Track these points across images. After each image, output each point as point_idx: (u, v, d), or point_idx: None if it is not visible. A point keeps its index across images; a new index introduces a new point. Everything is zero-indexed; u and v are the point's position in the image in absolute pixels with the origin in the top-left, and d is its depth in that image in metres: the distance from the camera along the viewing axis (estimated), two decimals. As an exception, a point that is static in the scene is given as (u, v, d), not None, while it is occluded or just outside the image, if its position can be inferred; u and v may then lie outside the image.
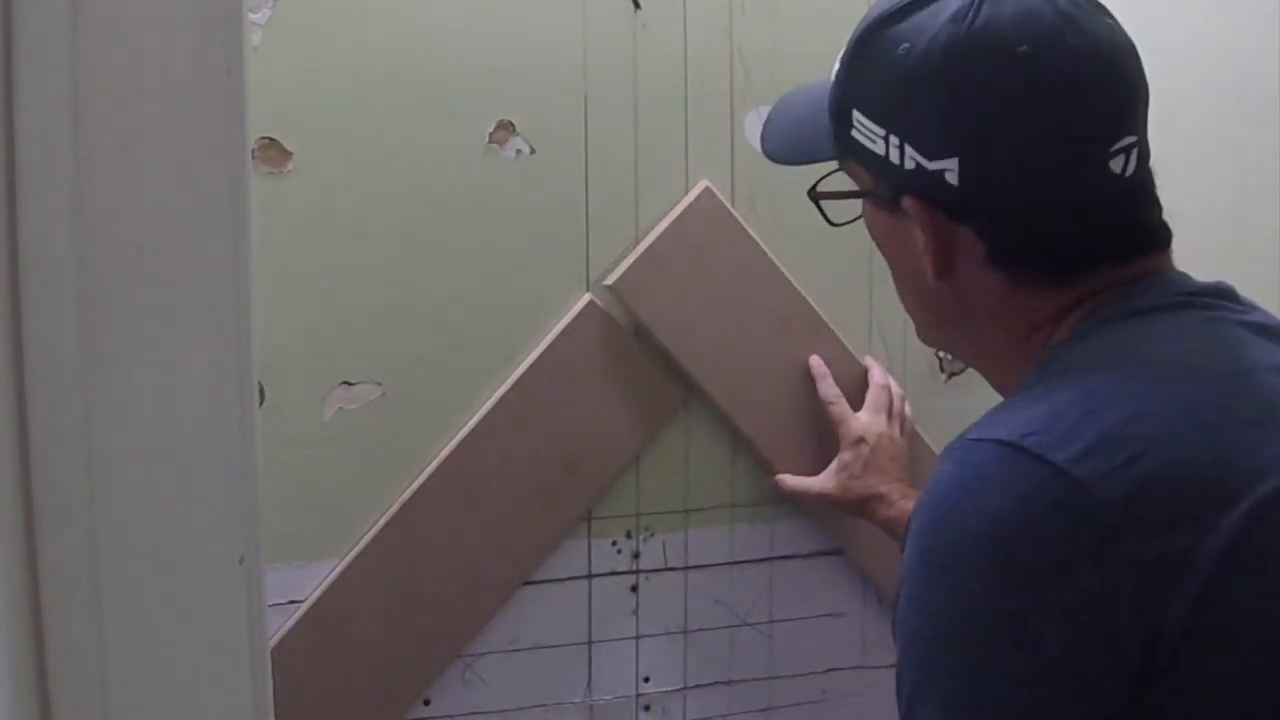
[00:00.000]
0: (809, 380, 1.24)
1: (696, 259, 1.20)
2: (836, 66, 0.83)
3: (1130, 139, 0.75)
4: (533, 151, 1.17)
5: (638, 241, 1.20)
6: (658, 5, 1.20)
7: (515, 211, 1.16)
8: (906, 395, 1.26)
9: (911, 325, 0.90)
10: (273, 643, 1.07)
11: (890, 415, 1.22)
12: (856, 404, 1.22)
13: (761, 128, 0.96)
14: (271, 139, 1.08)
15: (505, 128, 1.15)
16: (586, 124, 1.18)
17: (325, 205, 1.11)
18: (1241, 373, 0.72)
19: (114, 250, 0.46)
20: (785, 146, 0.92)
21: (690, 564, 1.25)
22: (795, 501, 1.24)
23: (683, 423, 1.23)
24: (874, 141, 0.79)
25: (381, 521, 1.14)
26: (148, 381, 0.47)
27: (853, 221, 0.88)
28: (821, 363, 1.23)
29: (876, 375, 1.24)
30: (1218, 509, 0.65)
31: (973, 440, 0.71)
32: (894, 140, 0.77)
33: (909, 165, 0.77)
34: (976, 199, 0.76)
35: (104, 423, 0.46)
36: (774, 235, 1.24)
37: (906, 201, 0.78)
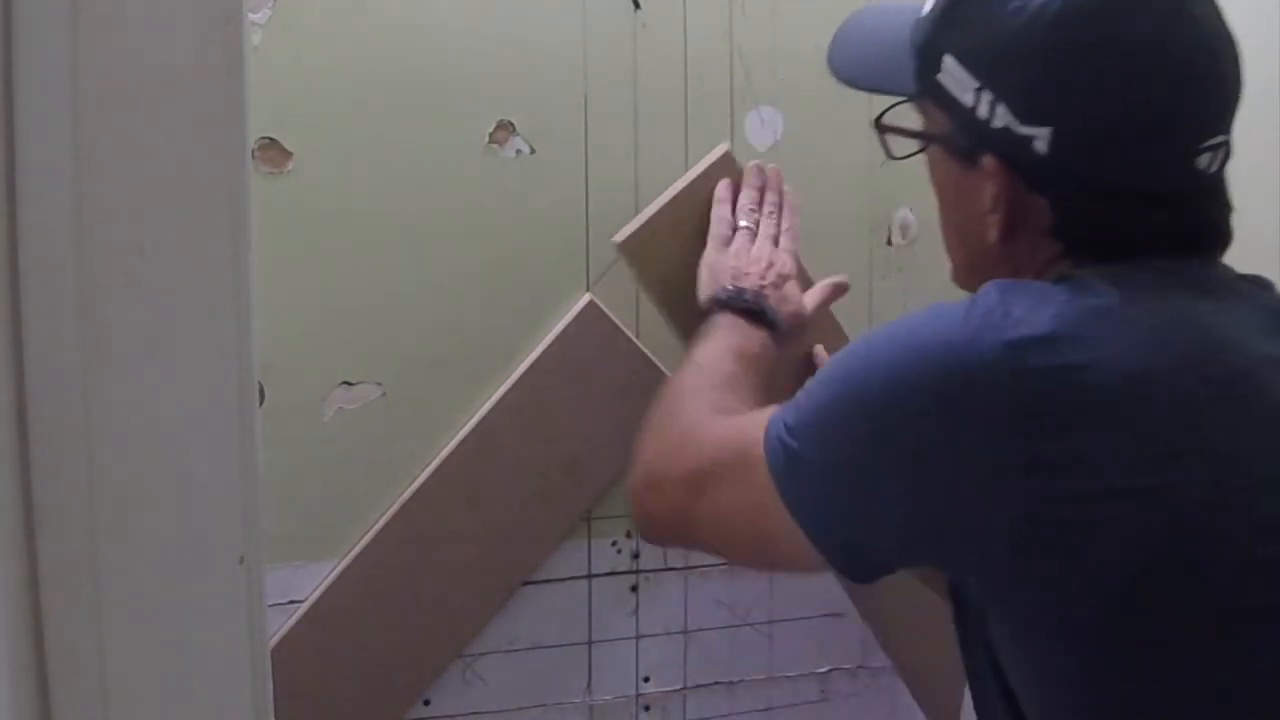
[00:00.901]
0: (806, 361, 1.21)
1: (708, 223, 1.16)
2: (931, 3, 0.81)
3: (1221, 138, 0.75)
4: (533, 151, 1.17)
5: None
6: (658, 5, 1.20)
7: (515, 211, 1.16)
8: None
9: None
10: (273, 643, 1.07)
11: None
12: None
13: (830, 45, 0.93)
14: (271, 139, 1.08)
15: (505, 128, 1.16)
16: (586, 124, 1.18)
17: (325, 205, 1.11)
18: (1231, 354, 0.71)
19: (114, 250, 0.46)
20: (858, 69, 0.89)
21: (690, 564, 1.25)
22: None
23: (683, 423, 1.23)
24: (963, 91, 0.77)
25: (381, 521, 1.14)
26: (148, 381, 0.47)
27: (912, 156, 0.86)
28: (823, 353, 1.21)
29: None
30: (1138, 446, 0.66)
31: (985, 288, 0.72)
32: (986, 96, 0.75)
33: (997, 124, 0.75)
34: (1061, 172, 0.74)
35: (104, 423, 0.46)
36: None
37: (986, 160, 0.76)
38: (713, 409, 0.89)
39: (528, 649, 1.21)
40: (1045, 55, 0.73)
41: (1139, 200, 0.74)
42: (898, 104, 0.85)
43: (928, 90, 0.80)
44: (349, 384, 1.13)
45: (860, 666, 1.32)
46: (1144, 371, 0.68)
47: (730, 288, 1.05)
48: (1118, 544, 0.66)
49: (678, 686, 1.27)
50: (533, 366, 1.17)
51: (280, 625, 1.11)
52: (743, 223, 1.12)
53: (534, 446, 1.18)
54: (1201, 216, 0.77)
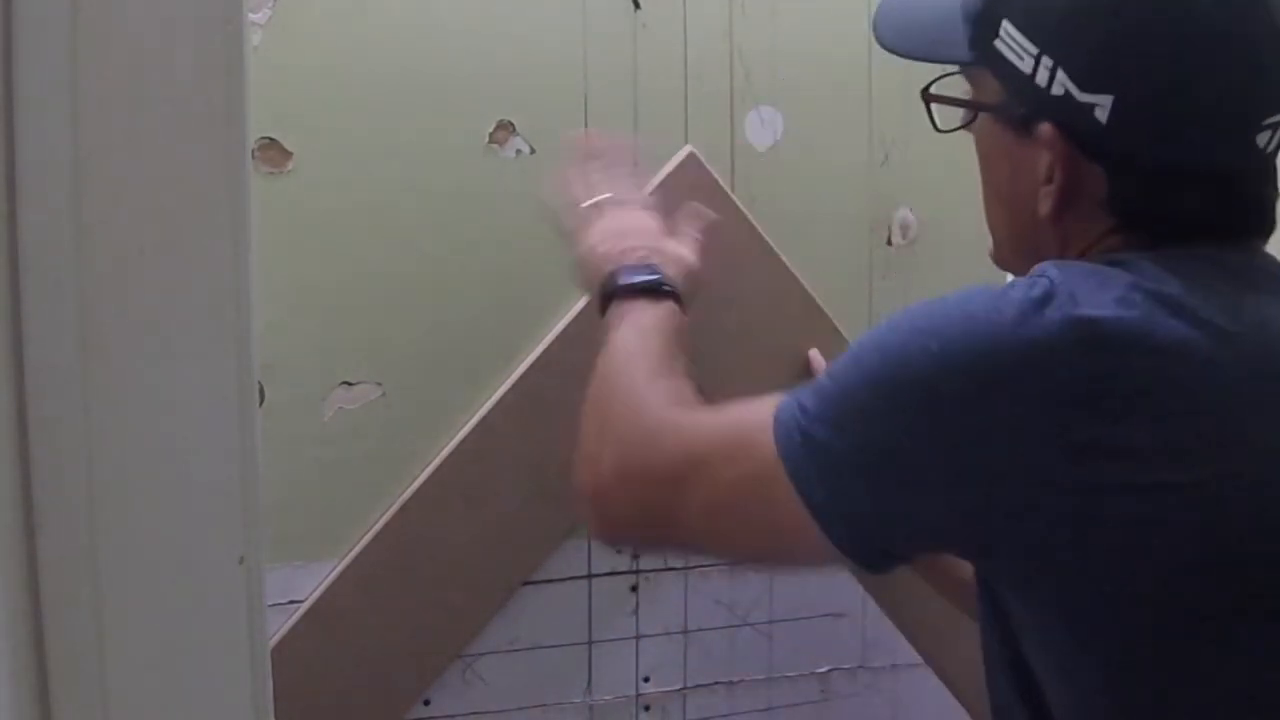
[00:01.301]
0: (801, 362, 1.20)
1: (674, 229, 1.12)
2: None
3: (1279, 117, 0.73)
4: (533, 151, 1.17)
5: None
6: (658, 5, 1.20)
7: (515, 211, 1.16)
8: None
9: None
10: (273, 643, 1.07)
11: None
12: None
13: (876, 14, 0.90)
14: (271, 139, 1.08)
15: (505, 128, 1.15)
16: (586, 124, 1.18)
17: (325, 205, 1.11)
18: None
19: (114, 250, 0.46)
20: (909, 37, 0.86)
21: (690, 564, 1.25)
22: None
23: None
24: (1021, 58, 0.75)
25: (381, 521, 1.14)
26: (148, 381, 0.47)
27: (961, 128, 0.84)
28: (820, 358, 1.20)
29: None
30: (1196, 440, 0.65)
31: (1038, 275, 0.70)
32: (1046, 62, 0.73)
33: (1056, 91, 0.73)
34: (1121, 142, 0.73)
35: (104, 423, 0.46)
36: (774, 234, 1.23)
37: (1044, 128, 0.75)
38: (671, 399, 0.84)
39: (528, 649, 1.21)
40: (1110, 22, 0.71)
41: (1196, 175, 0.73)
42: (947, 75, 0.83)
43: (983, 58, 0.78)
44: (349, 384, 1.13)
45: (860, 666, 1.32)
46: (1210, 361, 0.66)
47: (614, 275, 0.96)
48: (1165, 538, 0.65)
49: (678, 686, 1.27)
50: (533, 366, 1.17)
51: (280, 625, 1.11)
52: (586, 204, 1.03)
53: (534, 446, 1.18)
54: (1254, 196, 0.75)
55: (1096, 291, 0.67)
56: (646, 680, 1.26)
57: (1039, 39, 0.74)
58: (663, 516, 0.80)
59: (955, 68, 0.83)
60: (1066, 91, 0.73)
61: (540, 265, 1.18)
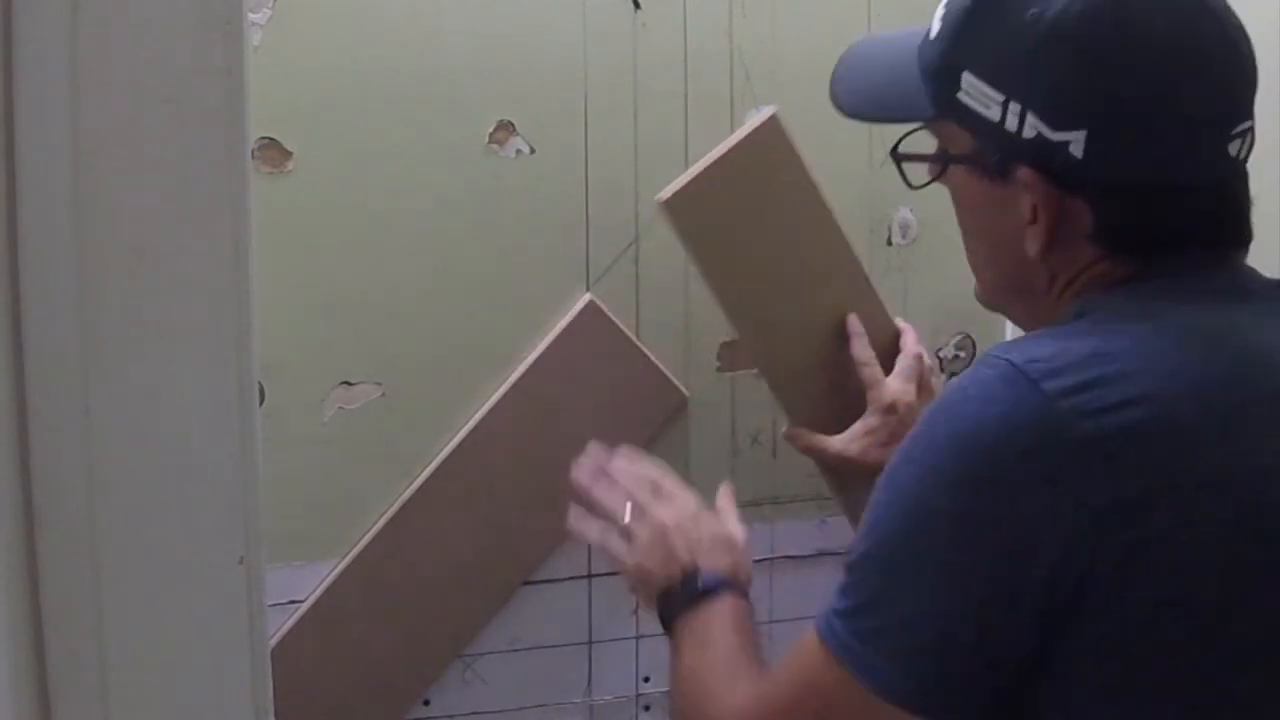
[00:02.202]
0: (841, 334, 1.17)
1: (752, 187, 1.13)
2: (939, 25, 0.79)
3: (1248, 123, 0.74)
4: (533, 151, 1.17)
5: (638, 242, 1.20)
6: (658, 5, 1.20)
7: (515, 211, 1.16)
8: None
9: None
10: (273, 643, 1.07)
11: (920, 387, 1.15)
12: (893, 360, 1.17)
13: (831, 81, 0.90)
14: (271, 139, 1.08)
15: (505, 128, 1.15)
16: (586, 124, 1.18)
17: (325, 205, 1.11)
18: (1268, 364, 0.70)
19: (114, 251, 0.46)
20: (869, 101, 0.87)
21: (690, 564, 1.25)
22: (806, 455, 1.16)
23: (682, 423, 1.23)
24: (988, 107, 0.75)
25: (381, 521, 1.14)
26: (148, 381, 0.47)
27: (930, 184, 0.84)
28: (858, 321, 1.17)
29: (910, 343, 1.18)
30: (1193, 477, 0.66)
31: (992, 356, 0.71)
32: (1014, 107, 0.73)
33: (1028, 134, 0.73)
34: (1099, 173, 0.73)
35: (104, 423, 0.46)
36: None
37: (1022, 172, 0.75)
38: (753, 681, 0.82)
39: (528, 649, 1.21)
40: (1071, 58, 0.72)
41: (1178, 191, 0.73)
42: (912, 131, 0.84)
43: (948, 111, 0.78)
44: (349, 384, 1.13)
45: (860, 666, 1.32)
46: (1200, 395, 0.67)
47: (665, 595, 0.93)
48: (1204, 577, 0.66)
49: (678, 686, 1.27)
50: (533, 366, 1.17)
51: (280, 625, 1.11)
52: (625, 520, 0.99)
53: (534, 446, 1.18)
54: (1235, 205, 0.76)
55: (1062, 357, 0.68)
56: (646, 680, 1.26)
57: (1003, 85, 0.74)
58: None
59: (921, 124, 0.83)
60: (1038, 133, 0.73)
61: (540, 265, 1.18)
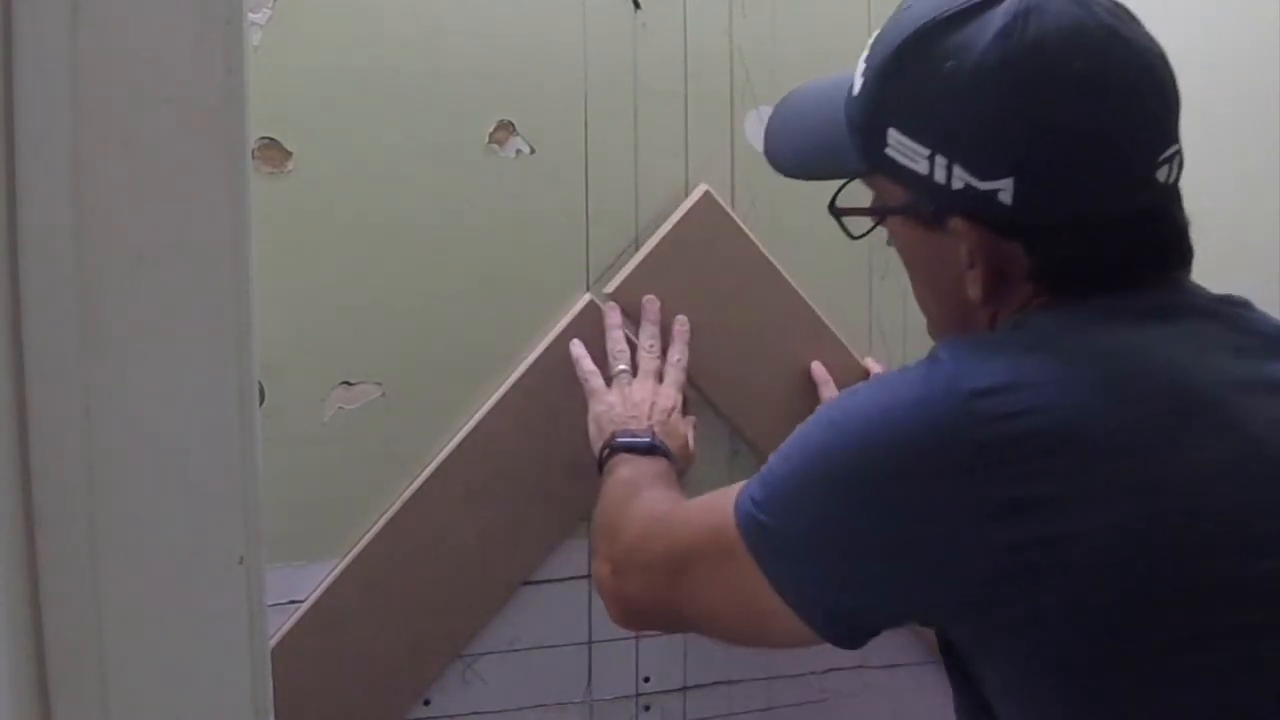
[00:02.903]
0: (811, 382, 1.24)
1: (696, 263, 1.20)
2: (860, 81, 0.80)
3: (1175, 147, 0.75)
4: (533, 151, 1.17)
5: (638, 242, 1.20)
6: (658, 5, 1.20)
7: (515, 211, 1.16)
8: None
9: (910, 326, 0.90)
10: (273, 643, 1.07)
11: None
12: None
13: (765, 139, 0.93)
14: (271, 139, 1.08)
15: (505, 128, 1.16)
16: (586, 124, 1.18)
17: (325, 205, 1.11)
18: (1190, 379, 0.71)
19: (113, 252, 0.46)
20: (802, 162, 0.89)
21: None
22: None
23: (683, 423, 1.23)
24: (915, 161, 0.76)
25: (381, 521, 1.14)
26: (148, 382, 0.47)
27: (872, 231, 0.86)
28: (823, 369, 1.23)
29: None
30: (1088, 485, 0.67)
31: (936, 349, 0.75)
32: (940, 160, 0.74)
33: (957, 185, 0.74)
34: (1030, 216, 0.74)
35: (104, 423, 0.46)
36: (774, 235, 1.24)
37: (955, 222, 0.76)
38: (669, 500, 0.92)
39: (528, 649, 1.21)
40: (992, 109, 0.73)
41: (1109, 224, 0.74)
42: (846, 184, 0.85)
43: (878, 166, 0.79)
44: (349, 384, 1.13)
45: (860, 666, 1.32)
46: (1107, 409, 0.69)
47: (616, 435, 1.07)
48: (1092, 581, 0.67)
49: (678, 686, 1.27)
50: (533, 366, 1.17)
51: (280, 625, 1.11)
52: (619, 367, 1.14)
53: (534, 446, 1.18)
54: (1170, 228, 0.77)
55: (987, 362, 0.71)
56: (646, 680, 1.26)
57: (927, 140, 0.75)
58: (663, 606, 0.87)
59: (855, 177, 0.84)
60: (967, 184, 0.74)
61: (540, 265, 1.18)
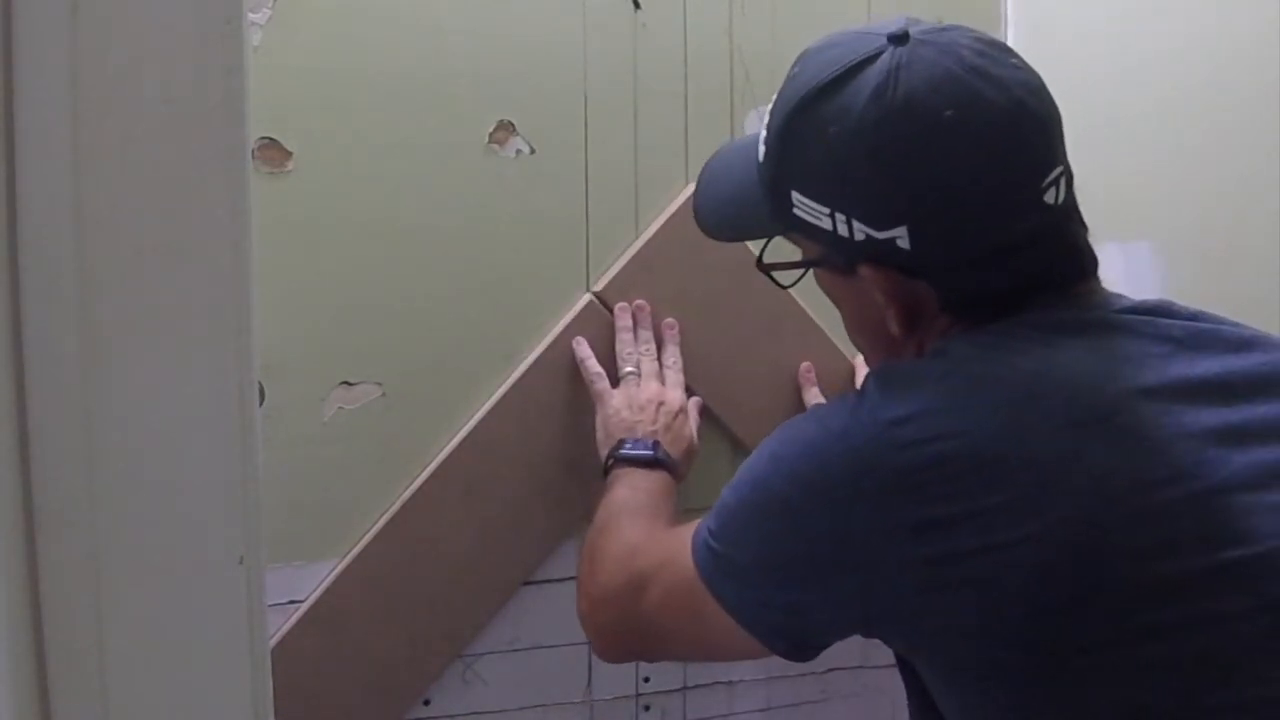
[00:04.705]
0: (796, 381, 1.25)
1: (686, 262, 1.20)
2: (764, 148, 0.85)
3: (1058, 169, 0.79)
4: (533, 151, 1.17)
5: (638, 241, 1.20)
6: (658, 5, 1.20)
7: (515, 211, 1.16)
8: None
9: None
10: (273, 643, 1.07)
11: None
12: None
13: (693, 202, 0.98)
14: (271, 139, 1.08)
15: (505, 128, 1.16)
16: (586, 124, 1.18)
17: (325, 205, 1.11)
18: (1093, 394, 0.74)
19: (114, 250, 0.46)
20: (724, 226, 0.95)
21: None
22: None
23: (683, 423, 1.23)
24: (819, 219, 0.81)
25: (381, 521, 1.14)
26: (148, 381, 0.47)
27: (800, 279, 0.91)
28: (810, 369, 1.25)
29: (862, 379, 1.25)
30: (995, 503, 0.70)
31: (869, 376, 0.79)
32: (840, 216, 0.80)
33: (859, 237, 0.79)
34: (930, 257, 0.79)
35: (104, 423, 0.46)
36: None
37: (863, 269, 0.81)
38: (644, 532, 0.97)
39: (528, 649, 1.21)
40: (872, 168, 0.77)
41: (1006, 252, 0.78)
42: (769, 241, 0.91)
43: (789, 225, 0.84)
44: (349, 384, 1.13)
45: (860, 666, 1.32)
46: (1011, 429, 0.72)
47: (622, 443, 1.10)
48: (1003, 593, 0.70)
49: (678, 686, 1.27)
50: (533, 366, 1.17)
51: (280, 625, 1.11)
52: (627, 369, 1.17)
53: (534, 446, 1.18)
54: (1067, 244, 0.81)
55: (906, 390, 0.75)
56: (646, 680, 1.26)
57: (825, 199, 0.80)
58: (632, 629, 0.92)
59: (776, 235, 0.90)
60: (867, 235, 0.79)
61: (540, 265, 1.18)
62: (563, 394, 1.18)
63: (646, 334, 1.19)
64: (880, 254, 0.79)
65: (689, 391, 1.20)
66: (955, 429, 0.72)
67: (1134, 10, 1.20)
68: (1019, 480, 0.70)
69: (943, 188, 0.76)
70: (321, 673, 1.13)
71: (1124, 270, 1.22)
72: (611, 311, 1.19)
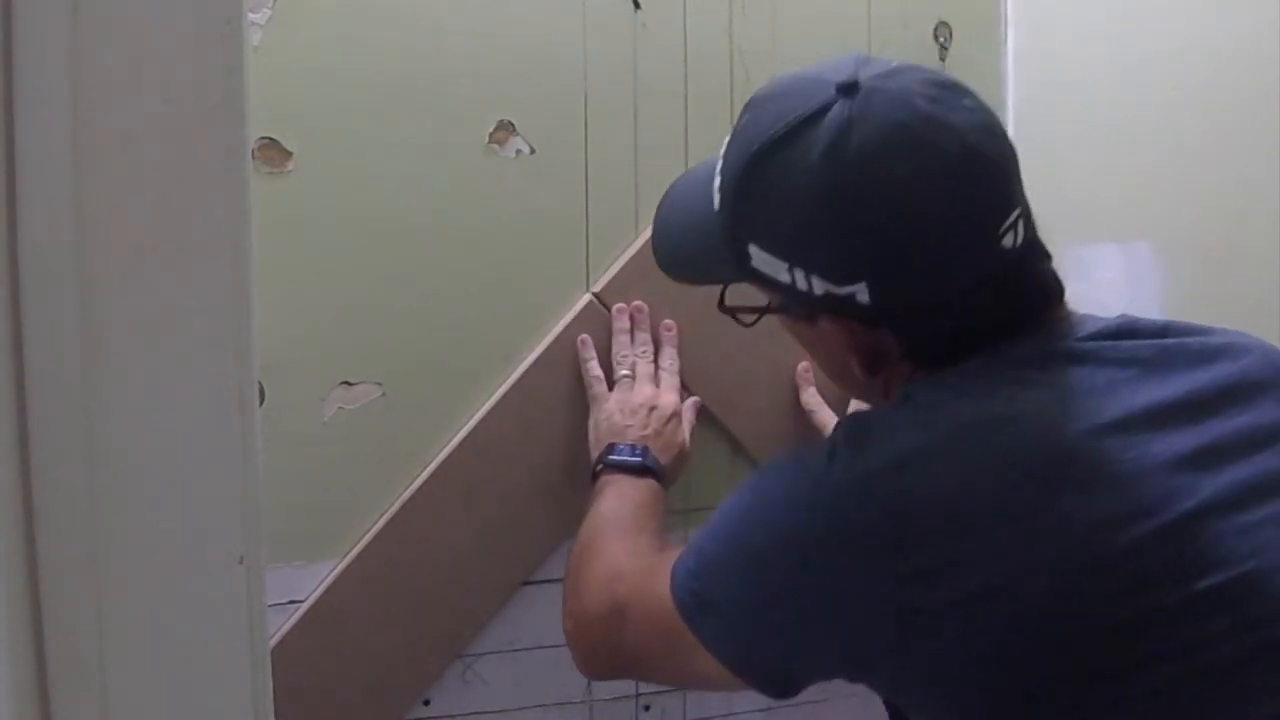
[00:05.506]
0: (793, 383, 1.25)
1: None
2: (718, 198, 0.84)
3: (1015, 212, 0.78)
4: (533, 151, 1.17)
5: (638, 241, 1.20)
6: (658, 5, 1.20)
7: (515, 211, 1.16)
8: None
9: None
10: (273, 643, 1.07)
11: None
12: (843, 407, 1.22)
13: (652, 240, 0.97)
14: (271, 139, 1.08)
15: (505, 128, 1.16)
16: (586, 124, 1.18)
17: (325, 205, 1.11)
18: (1059, 436, 0.73)
19: (113, 250, 0.46)
20: (684, 268, 0.94)
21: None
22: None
23: (683, 423, 1.23)
24: (777, 272, 0.80)
25: (381, 521, 1.14)
26: (148, 381, 0.47)
27: (761, 319, 0.90)
28: (807, 369, 1.24)
29: None
30: (965, 555, 0.70)
31: (843, 424, 0.80)
32: (798, 271, 0.79)
33: (818, 291, 0.79)
34: (890, 310, 0.79)
35: (104, 423, 0.46)
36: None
37: (824, 321, 0.82)
38: (626, 553, 0.96)
39: (528, 649, 1.21)
40: (828, 226, 0.77)
41: (966, 298, 0.78)
42: (728, 285, 0.90)
43: (747, 275, 0.84)
44: (349, 384, 1.13)
45: (860, 666, 1.32)
46: (978, 479, 0.72)
47: (612, 448, 1.10)
48: (978, 641, 0.70)
49: (678, 686, 1.27)
50: (533, 366, 1.17)
51: (280, 625, 1.11)
52: (622, 371, 1.17)
53: (534, 446, 1.18)
54: (1026, 285, 0.80)
55: (875, 445, 0.75)
56: (646, 680, 1.26)
57: (782, 254, 0.80)
58: (615, 654, 0.92)
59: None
60: (827, 290, 0.79)
61: (540, 265, 1.18)
62: (563, 394, 1.18)
63: (644, 336, 1.19)
64: (840, 307, 0.79)
65: (686, 392, 1.20)
66: (923, 482, 0.72)
67: (1134, 10, 1.20)
68: (988, 531, 0.71)
69: (900, 244, 0.76)
70: (321, 673, 1.13)
71: (1124, 270, 1.22)
72: (610, 312, 1.19)
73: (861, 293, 0.77)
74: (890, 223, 0.75)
